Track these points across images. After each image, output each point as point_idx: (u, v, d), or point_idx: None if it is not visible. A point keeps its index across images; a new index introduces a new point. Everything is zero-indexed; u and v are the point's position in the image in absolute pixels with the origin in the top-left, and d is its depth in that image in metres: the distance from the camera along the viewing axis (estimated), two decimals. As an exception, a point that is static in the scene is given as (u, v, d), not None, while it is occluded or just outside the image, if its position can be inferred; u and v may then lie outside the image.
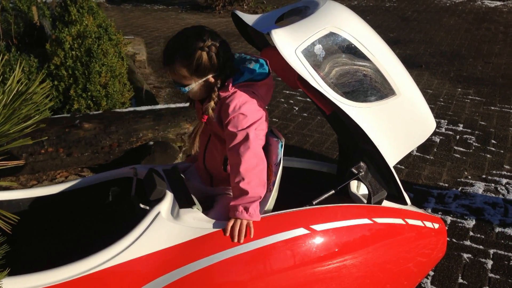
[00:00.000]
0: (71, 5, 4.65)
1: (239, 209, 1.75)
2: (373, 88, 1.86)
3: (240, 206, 1.76)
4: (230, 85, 1.83)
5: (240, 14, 2.02)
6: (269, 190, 1.94)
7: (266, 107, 1.97)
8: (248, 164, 1.76)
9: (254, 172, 1.77)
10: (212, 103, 1.86)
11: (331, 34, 1.77)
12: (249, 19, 2.00)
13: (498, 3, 10.70)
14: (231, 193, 1.94)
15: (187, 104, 2.10)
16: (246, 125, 1.78)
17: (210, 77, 1.86)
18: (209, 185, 2.10)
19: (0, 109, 0.86)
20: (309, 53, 1.73)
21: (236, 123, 1.79)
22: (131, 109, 3.62)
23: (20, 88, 0.92)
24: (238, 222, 1.75)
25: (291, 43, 1.70)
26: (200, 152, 2.08)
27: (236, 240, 1.73)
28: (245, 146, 1.76)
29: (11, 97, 0.89)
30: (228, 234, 1.74)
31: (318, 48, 1.75)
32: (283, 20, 1.98)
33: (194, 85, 1.87)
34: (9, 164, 1.03)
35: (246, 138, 1.77)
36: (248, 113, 1.79)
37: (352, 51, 1.81)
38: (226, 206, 1.88)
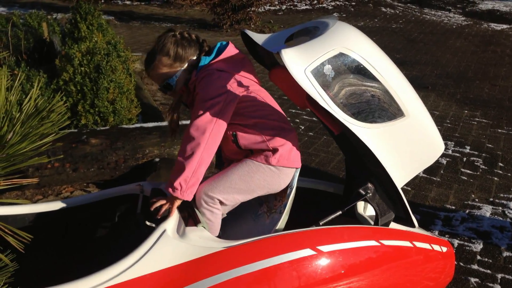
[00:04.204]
0: (81, 21, 4.70)
1: (168, 182, 1.86)
2: (382, 109, 1.85)
3: (170, 178, 1.85)
4: (194, 72, 1.96)
5: (250, 33, 2.03)
6: (278, 212, 1.93)
7: (250, 80, 2.03)
8: (187, 136, 1.84)
9: (191, 144, 1.82)
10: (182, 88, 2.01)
11: (341, 54, 1.77)
12: (259, 38, 2.01)
13: (504, 26, 10.75)
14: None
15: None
16: (200, 104, 1.86)
17: (192, 58, 1.99)
18: None
19: (17, 128, 0.86)
20: (318, 73, 1.73)
21: (196, 102, 1.89)
22: (138, 125, 3.62)
23: (39, 105, 0.92)
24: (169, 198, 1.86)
25: (301, 63, 1.70)
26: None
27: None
28: (192, 117, 1.87)
29: (28, 115, 0.90)
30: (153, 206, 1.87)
31: (328, 68, 1.75)
32: (293, 40, 1.99)
33: (180, 71, 1.97)
34: (23, 182, 1.03)
35: (197, 114, 1.85)
36: (204, 89, 1.88)
37: (361, 72, 1.81)
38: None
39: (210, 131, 1.83)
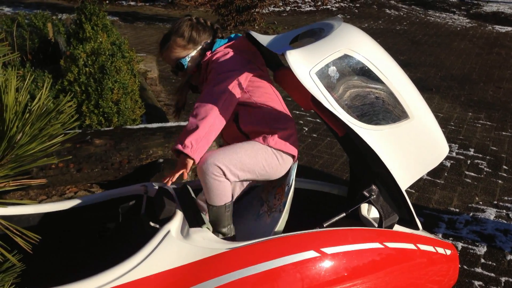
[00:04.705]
0: (85, 22, 4.72)
1: (177, 140, 1.85)
2: (386, 111, 1.85)
3: (180, 137, 1.84)
4: (209, 52, 2.05)
5: (254, 34, 2.03)
6: (278, 211, 1.93)
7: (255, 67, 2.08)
8: (202, 101, 1.87)
9: (205, 108, 1.84)
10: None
11: (346, 56, 1.78)
12: (264, 39, 2.02)
13: (509, 28, 10.72)
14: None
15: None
16: (215, 76, 1.94)
17: (203, 44, 2.08)
18: None
19: (27, 128, 0.87)
20: (323, 75, 1.73)
21: (211, 75, 1.96)
22: (142, 126, 3.63)
23: (48, 104, 0.93)
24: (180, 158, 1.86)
25: (306, 64, 1.71)
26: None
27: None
28: (207, 86, 1.92)
29: (37, 116, 0.90)
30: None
31: (332, 70, 1.75)
32: (298, 42, 1.99)
33: (193, 52, 2.06)
34: (32, 183, 1.04)
35: (211, 84, 1.91)
36: (220, 64, 1.97)
37: (366, 74, 1.81)
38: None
39: (224, 99, 1.87)
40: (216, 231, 1.98)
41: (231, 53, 2.02)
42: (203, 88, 1.97)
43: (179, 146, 1.81)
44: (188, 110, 2.21)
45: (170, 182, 1.88)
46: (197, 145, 1.80)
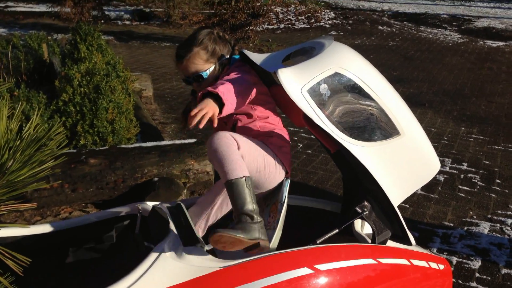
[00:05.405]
0: (80, 42, 4.76)
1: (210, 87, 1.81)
2: (377, 127, 1.88)
3: (212, 87, 1.81)
4: (227, 67, 2.12)
5: (247, 53, 2.07)
6: (272, 228, 1.93)
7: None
8: (225, 81, 1.89)
9: (230, 84, 1.87)
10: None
11: (336, 74, 1.81)
12: (257, 58, 2.05)
13: (500, 43, 10.85)
14: None
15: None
16: (235, 73, 2.01)
17: (223, 59, 2.12)
18: None
19: (18, 155, 0.88)
20: (314, 92, 1.76)
21: (231, 73, 2.01)
22: (137, 145, 3.64)
23: (39, 132, 0.94)
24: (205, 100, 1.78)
25: (297, 82, 1.74)
26: None
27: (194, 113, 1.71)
28: (228, 77, 1.96)
29: (28, 143, 0.92)
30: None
31: (324, 88, 1.78)
32: (290, 60, 2.03)
33: (213, 66, 2.10)
34: (22, 207, 1.05)
35: (233, 75, 1.98)
36: (239, 70, 2.04)
37: (357, 91, 1.84)
38: None
39: (244, 86, 1.93)
40: (241, 213, 1.78)
41: (247, 67, 2.11)
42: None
43: (211, 89, 1.78)
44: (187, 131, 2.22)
45: (193, 122, 1.70)
46: (227, 96, 1.79)
